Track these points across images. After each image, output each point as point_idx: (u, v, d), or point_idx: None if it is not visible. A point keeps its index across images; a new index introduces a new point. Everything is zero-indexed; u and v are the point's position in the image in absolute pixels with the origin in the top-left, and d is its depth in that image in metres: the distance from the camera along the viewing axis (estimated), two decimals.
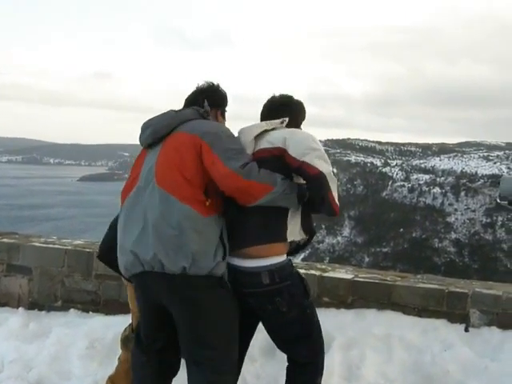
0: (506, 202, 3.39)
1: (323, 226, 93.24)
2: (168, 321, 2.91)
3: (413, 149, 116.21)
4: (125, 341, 3.48)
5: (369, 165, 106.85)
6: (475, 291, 4.09)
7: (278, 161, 2.88)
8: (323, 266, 4.71)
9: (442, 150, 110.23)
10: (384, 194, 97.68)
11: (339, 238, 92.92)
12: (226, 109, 3.23)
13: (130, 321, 3.51)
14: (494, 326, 3.97)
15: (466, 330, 4.02)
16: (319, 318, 4.08)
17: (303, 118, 3.21)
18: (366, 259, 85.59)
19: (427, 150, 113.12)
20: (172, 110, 3.00)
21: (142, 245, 2.81)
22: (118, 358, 3.55)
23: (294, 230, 2.92)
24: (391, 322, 4.09)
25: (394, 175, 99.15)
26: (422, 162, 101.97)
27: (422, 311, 4.13)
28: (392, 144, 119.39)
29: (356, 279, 4.32)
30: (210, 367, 2.85)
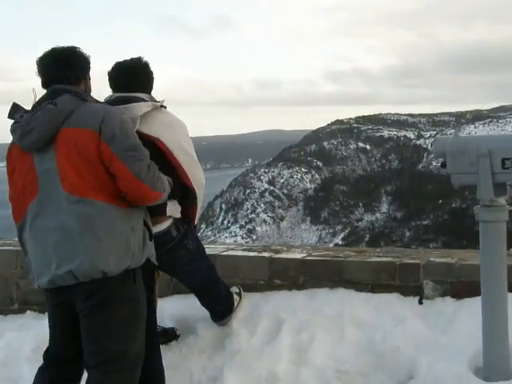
0: (438, 164, 3.18)
1: (361, 204, 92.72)
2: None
3: (446, 118, 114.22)
4: None
5: (402, 138, 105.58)
6: (428, 261, 3.90)
7: (156, 154, 3.03)
8: (278, 247, 4.54)
9: (477, 117, 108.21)
10: (420, 166, 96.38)
11: (378, 215, 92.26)
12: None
13: None
14: (448, 296, 3.79)
15: (420, 302, 3.84)
16: (271, 302, 3.97)
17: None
18: (407, 233, 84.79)
19: (461, 118, 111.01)
20: (50, 104, 2.68)
21: (70, 259, 2.65)
22: None
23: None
24: (343, 301, 3.93)
25: (429, 147, 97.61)
26: None
27: (375, 287, 3.95)
28: (424, 115, 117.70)
29: (306, 258, 4.15)
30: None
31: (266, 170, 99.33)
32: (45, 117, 2.66)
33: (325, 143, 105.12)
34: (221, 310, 3.87)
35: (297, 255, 4.23)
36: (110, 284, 2.69)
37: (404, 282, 3.88)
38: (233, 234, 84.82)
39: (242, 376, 3.56)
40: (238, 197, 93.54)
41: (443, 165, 3.11)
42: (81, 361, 2.83)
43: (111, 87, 3.29)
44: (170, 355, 3.84)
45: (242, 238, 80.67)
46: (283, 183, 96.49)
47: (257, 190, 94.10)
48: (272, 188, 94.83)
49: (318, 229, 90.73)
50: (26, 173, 2.72)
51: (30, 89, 2.77)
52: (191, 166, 3.30)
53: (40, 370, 2.94)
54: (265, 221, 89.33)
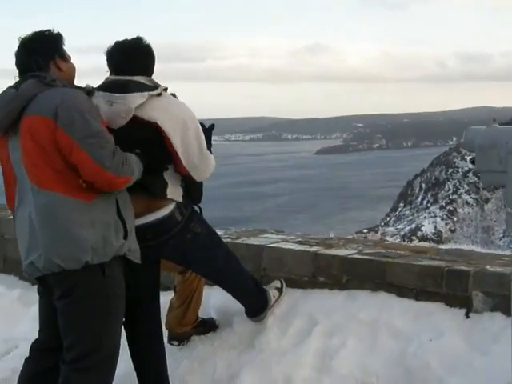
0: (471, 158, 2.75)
1: None
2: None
3: None
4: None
5: None
6: (479, 269, 3.43)
7: (156, 138, 2.98)
8: (334, 242, 4.25)
9: None
10: None
11: None
12: (64, 46, 2.83)
13: None
14: (498, 312, 3.30)
15: (467, 315, 3.39)
16: (310, 301, 3.77)
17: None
18: None
19: None
20: (11, 88, 2.65)
21: (34, 251, 2.68)
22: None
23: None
24: (382, 306, 3.61)
25: None
26: None
27: (420, 293, 3.58)
28: None
29: (350, 256, 3.84)
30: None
31: None
32: (2, 102, 2.64)
33: None
34: (253, 305, 3.72)
35: (343, 252, 3.93)
36: (73, 277, 2.66)
37: (451, 290, 3.47)
38: (432, 214, 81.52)
39: (258, 377, 3.44)
40: (439, 176, 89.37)
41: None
42: (60, 354, 2.84)
43: (109, 68, 3.11)
44: (200, 348, 3.81)
45: (442, 219, 77.32)
46: None
47: (460, 170, 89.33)
48: None
49: None
50: (6, 163, 2.76)
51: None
52: (188, 154, 3.07)
53: (25, 359, 3.03)
54: (467, 202, 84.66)
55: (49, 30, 2.80)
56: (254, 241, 4.30)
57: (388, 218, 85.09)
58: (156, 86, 3.01)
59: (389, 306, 3.58)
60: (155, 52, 3.14)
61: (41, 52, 2.73)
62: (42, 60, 2.71)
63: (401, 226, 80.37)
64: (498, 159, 2.55)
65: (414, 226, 77.35)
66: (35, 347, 3.02)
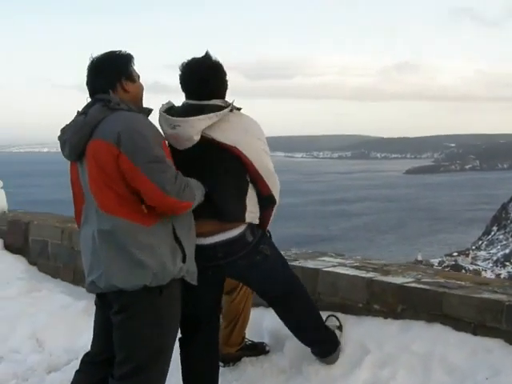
0: None
1: None
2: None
3: None
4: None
5: None
6: None
7: (235, 161, 3.00)
8: (392, 268, 4.09)
9: None
10: None
11: None
12: (134, 66, 2.85)
13: None
14: None
15: None
16: (362, 329, 3.67)
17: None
18: None
19: None
20: (81, 115, 2.74)
21: (95, 270, 2.76)
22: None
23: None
24: (437, 338, 3.44)
25: None
26: None
27: (478, 327, 3.38)
28: None
29: (407, 285, 3.69)
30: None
31: None
32: (73, 129, 2.73)
33: None
34: (320, 341, 3.56)
35: (399, 279, 3.79)
36: (131, 296, 2.71)
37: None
38: None
39: None
40: None
41: None
42: (110, 369, 2.89)
43: (183, 91, 3.11)
44: (249, 370, 3.79)
45: None
46: None
47: None
48: None
49: None
50: (75, 182, 2.84)
51: None
52: (269, 173, 3.12)
53: (75, 371, 3.10)
54: None
55: (119, 51, 2.84)
56: (310, 264, 4.22)
57: (480, 242, 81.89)
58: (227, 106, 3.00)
59: (444, 339, 3.41)
60: (236, 70, 3.18)
61: (107, 74, 2.78)
62: (107, 82, 2.77)
63: (494, 251, 77.17)
64: None
65: (508, 251, 73.99)
66: (86, 360, 3.09)
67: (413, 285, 3.68)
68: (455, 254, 71.74)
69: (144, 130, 2.67)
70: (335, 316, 3.78)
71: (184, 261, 2.78)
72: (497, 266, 67.82)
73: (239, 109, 3.07)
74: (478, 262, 69.85)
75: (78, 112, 2.79)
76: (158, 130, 2.82)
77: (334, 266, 4.17)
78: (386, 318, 3.70)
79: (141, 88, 2.92)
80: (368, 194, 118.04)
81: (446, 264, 64.26)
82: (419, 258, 64.35)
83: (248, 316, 3.83)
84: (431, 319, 3.52)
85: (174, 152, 2.91)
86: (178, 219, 2.80)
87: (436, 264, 63.12)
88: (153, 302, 2.74)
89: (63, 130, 2.80)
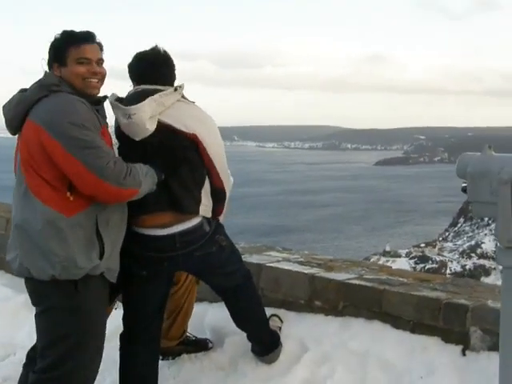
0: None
1: None
2: None
3: None
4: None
5: None
6: (479, 304, 3.18)
7: (194, 151, 2.96)
8: (336, 264, 4.05)
9: None
10: None
11: None
12: (77, 49, 2.68)
13: None
14: (496, 352, 3.02)
15: (463, 353, 3.14)
16: (302, 326, 3.61)
17: None
18: None
19: None
20: (20, 92, 2.68)
21: (12, 251, 2.71)
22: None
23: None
24: (375, 336, 3.40)
25: None
26: None
27: (417, 325, 3.36)
28: None
29: (348, 281, 3.64)
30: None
31: None
32: (9, 105, 2.69)
33: None
34: (264, 340, 3.50)
35: (341, 276, 3.74)
36: (44, 287, 2.64)
37: (448, 325, 3.24)
38: (493, 231, 79.20)
39: None
40: None
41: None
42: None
43: (131, 79, 3.09)
44: (188, 367, 3.71)
45: None
46: None
47: None
48: None
49: None
50: (15, 159, 2.75)
51: None
52: (224, 167, 3.10)
53: (23, 365, 3.07)
54: None
55: (62, 33, 2.72)
56: (254, 258, 4.15)
57: (447, 233, 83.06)
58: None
59: (382, 336, 3.38)
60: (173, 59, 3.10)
61: (48, 54, 2.74)
62: (48, 61, 2.73)
63: (460, 242, 78.35)
64: (489, 190, 2.33)
65: (473, 242, 75.23)
66: (31, 355, 3.00)
67: (354, 281, 3.64)
68: (423, 245, 72.51)
69: (78, 115, 2.55)
70: (277, 316, 3.72)
71: (101, 258, 2.67)
72: (463, 257, 68.79)
73: (193, 102, 3.06)
74: (445, 253, 70.75)
75: (21, 89, 2.72)
76: (94, 116, 2.66)
77: (278, 261, 4.11)
78: (327, 315, 3.66)
79: (76, 72, 2.69)
80: (337, 185, 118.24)
81: (413, 255, 64.98)
82: (387, 248, 64.93)
83: (191, 310, 3.75)
84: (371, 317, 3.49)
85: (133, 143, 2.88)
86: (106, 214, 2.69)
87: (403, 255, 63.82)
88: (67, 297, 2.65)
89: (3, 106, 2.75)
